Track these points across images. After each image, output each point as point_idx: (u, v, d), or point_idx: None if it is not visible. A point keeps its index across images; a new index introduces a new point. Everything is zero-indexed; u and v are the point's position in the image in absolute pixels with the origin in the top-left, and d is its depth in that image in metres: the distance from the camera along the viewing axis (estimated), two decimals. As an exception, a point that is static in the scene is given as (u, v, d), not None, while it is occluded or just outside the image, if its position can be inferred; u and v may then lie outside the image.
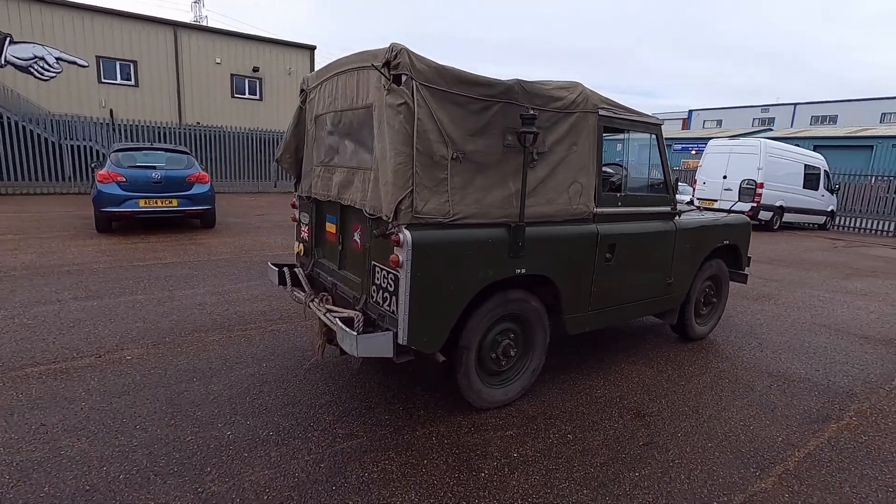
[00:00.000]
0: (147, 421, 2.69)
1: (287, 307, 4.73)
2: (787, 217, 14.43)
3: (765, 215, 13.58)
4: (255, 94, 22.39)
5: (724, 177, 13.86)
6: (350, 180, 2.82)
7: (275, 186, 18.39)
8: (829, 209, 15.75)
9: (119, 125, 15.45)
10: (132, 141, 15.45)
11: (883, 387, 3.60)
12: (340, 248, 3.06)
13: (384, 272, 2.50)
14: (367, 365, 3.46)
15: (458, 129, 2.45)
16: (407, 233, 2.32)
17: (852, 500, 2.32)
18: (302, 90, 3.40)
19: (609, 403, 3.13)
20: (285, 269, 3.46)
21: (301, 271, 3.42)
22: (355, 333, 2.34)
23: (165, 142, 15.86)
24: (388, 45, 2.34)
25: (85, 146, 14.80)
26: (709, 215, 4.34)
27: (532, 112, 2.57)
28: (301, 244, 3.57)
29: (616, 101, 3.23)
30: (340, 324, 2.47)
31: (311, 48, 23.37)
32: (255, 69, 21.99)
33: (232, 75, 21.62)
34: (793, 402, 3.26)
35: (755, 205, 13.23)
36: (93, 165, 9.63)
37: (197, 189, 8.38)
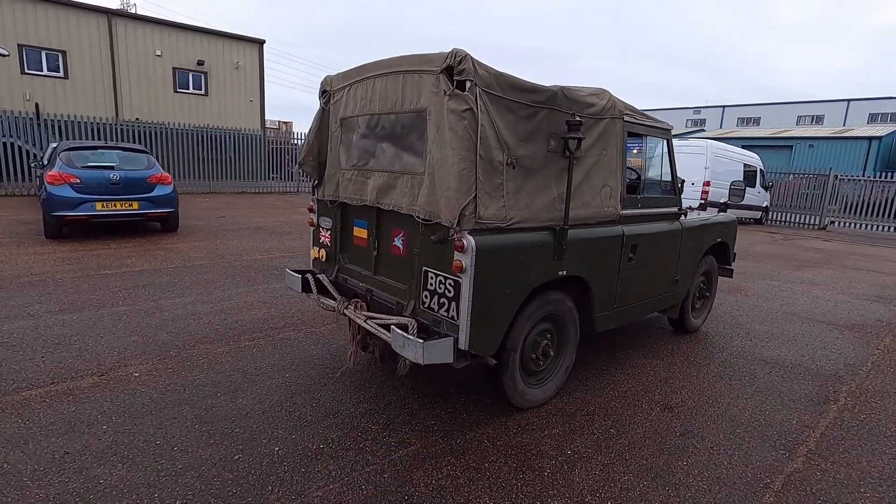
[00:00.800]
0: (184, 441, 2.53)
1: (289, 314, 4.57)
2: (730, 213, 15.51)
3: (711, 212, 14.52)
4: (201, 89, 21.25)
5: (675, 176, 14.66)
6: (391, 185, 2.77)
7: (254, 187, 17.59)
8: (764, 205, 17.08)
9: (46, 120, 14.17)
10: (66, 139, 14.25)
11: (861, 368, 3.98)
12: (376, 254, 3.01)
13: (440, 278, 2.49)
14: (388, 370, 3.41)
15: (511, 134, 2.49)
16: (470, 238, 2.32)
17: (871, 473, 2.57)
18: (324, 91, 3.30)
19: (636, 397, 3.27)
20: (309, 276, 3.35)
21: (325, 277, 3.32)
22: (421, 341, 2.31)
23: (100, 139, 14.73)
24: (449, 51, 2.34)
25: (8, 143, 13.45)
26: (703, 214, 4.61)
27: (578, 118, 2.65)
28: (321, 249, 3.47)
29: (634, 107, 3.37)
30: (399, 331, 2.43)
31: (261, 42, 22.48)
32: (200, 63, 20.89)
33: (174, 69, 20.41)
34: (794, 387, 3.54)
35: (703, 202, 14.11)
36: (33, 164, 8.82)
37: (160, 191, 7.88)
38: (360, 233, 3.14)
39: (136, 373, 3.26)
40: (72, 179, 7.18)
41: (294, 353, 3.68)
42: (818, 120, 42.71)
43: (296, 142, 19.33)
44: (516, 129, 2.51)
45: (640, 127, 3.42)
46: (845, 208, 16.35)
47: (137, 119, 18.64)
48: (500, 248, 2.45)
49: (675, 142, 14.69)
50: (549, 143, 2.68)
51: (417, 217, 2.56)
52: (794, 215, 17.26)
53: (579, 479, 2.38)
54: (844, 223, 16.54)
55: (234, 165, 17.90)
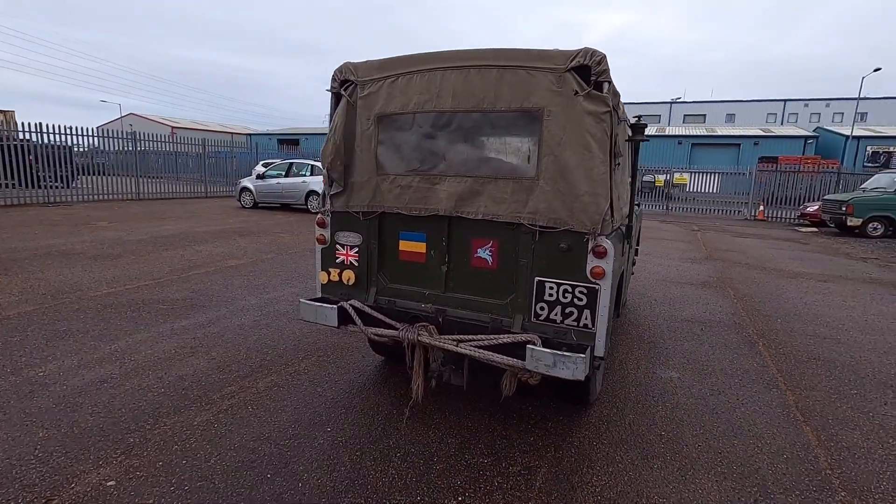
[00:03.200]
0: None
1: (245, 355, 3.66)
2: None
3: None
4: None
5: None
6: (476, 191, 2.50)
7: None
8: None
9: None
10: None
11: (741, 316, 5.20)
12: (446, 269, 2.67)
13: (565, 287, 2.37)
14: (451, 395, 3.10)
15: (621, 137, 2.52)
16: (608, 242, 2.28)
17: (842, 391, 3.44)
18: (348, 81, 2.74)
19: (653, 362, 3.67)
20: (347, 306, 2.76)
21: (361, 304, 2.79)
22: (582, 355, 2.18)
23: None
24: (578, 49, 2.22)
25: None
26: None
27: (644, 122, 2.81)
28: (345, 271, 2.91)
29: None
30: (547, 350, 2.23)
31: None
32: None
33: None
34: (726, 338, 4.45)
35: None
36: None
37: None
38: (413, 247, 2.74)
39: (98, 489, 2.24)
40: None
41: (309, 401, 3.01)
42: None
43: (25, 137, 12.93)
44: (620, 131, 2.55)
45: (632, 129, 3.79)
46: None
47: None
48: (618, 250, 2.47)
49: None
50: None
51: (532, 225, 2.38)
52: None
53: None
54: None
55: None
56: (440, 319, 2.66)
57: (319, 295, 3.05)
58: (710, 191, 19.53)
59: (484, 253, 2.58)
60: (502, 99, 2.39)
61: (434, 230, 2.68)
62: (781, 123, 43.57)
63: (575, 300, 2.37)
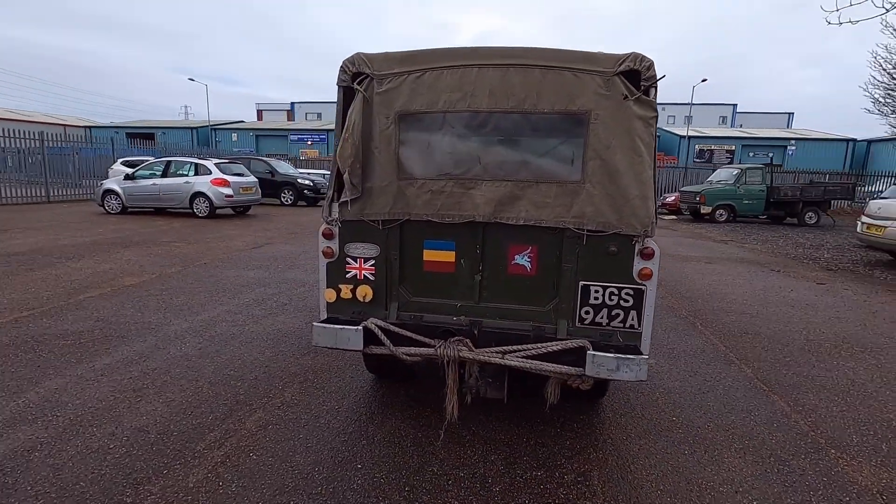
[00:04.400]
0: None
1: (210, 394, 3.11)
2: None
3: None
4: None
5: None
6: (516, 195, 2.40)
7: None
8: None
9: None
10: None
11: (671, 300, 5.78)
12: (480, 278, 2.52)
13: (611, 289, 2.39)
14: (484, 409, 2.95)
15: None
16: (655, 244, 2.34)
17: (780, 360, 3.97)
18: (363, 75, 2.43)
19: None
20: (371, 326, 2.46)
21: (385, 323, 2.52)
22: (646, 356, 2.20)
23: None
24: (626, 54, 2.22)
25: None
26: None
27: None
28: (360, 286, 2.60)
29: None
30: (609, 354, 2.21)
31: None
32: None
33: None
34: (671, 322, 4.90)
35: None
36: None
37: None
38: (440, 256, 2.55)
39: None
40: None
41: (319, 437, 2.65)
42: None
43: None
44: None
45: None
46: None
47: None
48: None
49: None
50: None
51: (579, 229, 2.35)
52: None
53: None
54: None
55: None
56: (475, 332, 2.51)
57: (325, 315, 2.70)
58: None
59: (522, 259, 2.49)
60: (545, 100, 2.31)
61: (465, 237, 2.51)
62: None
63: (621, 302, 2.40)
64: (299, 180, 16.44)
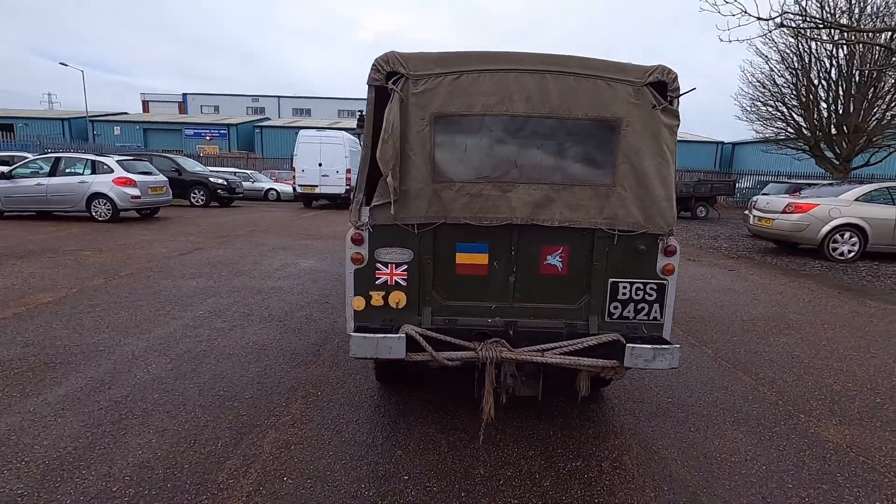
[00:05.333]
0: None
1: (214, 420, 2.82)
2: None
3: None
4: None
5: (320, 164, 15.53)
6: (551, 198, 2.47)
7: None
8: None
9: None
10: None
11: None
12: (514, 279, 2.57)
13: (637, 285, 2.55)
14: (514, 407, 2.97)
15: None
16: (676, 242, 2.55)
17: (730, 339, 4.46)
18: (397, 74, 2.34)
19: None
20: (412, 332, 2.39)
21: (421, 329, 2.47)
22: (678, 345, 2.39)
23: None
24: (654, 66, 2.38)
25: None
26: None
27: None
28: (393, 293, 2.52)
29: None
30: (647, 345, 2.37)
31: None
32: None
33: None
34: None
35: (348, 188, 15.68)
36: None
37: None
38: (473, 259, 2.56)
39: None
40: None
41: (352, 453, 2.53)
42: (353, 114, 52.53)
43: None
44: None
45: None
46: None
47: None
48: None
49: (315, 133, 15.53)
50: None
51: (612, 230, 2.48)
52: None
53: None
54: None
55: None
56: (510, 332, 2.56)
57: (352, 325, 2.57)
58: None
59: (554, 259, 2.58)
60: (579, 107, 2.41)
61: (498, 239, 2.54)
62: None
63: (646, 296, 2.58)
64: (212, 179, 15.23)
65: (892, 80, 14.99)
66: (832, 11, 13.96)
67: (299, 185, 15.71)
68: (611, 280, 2.56)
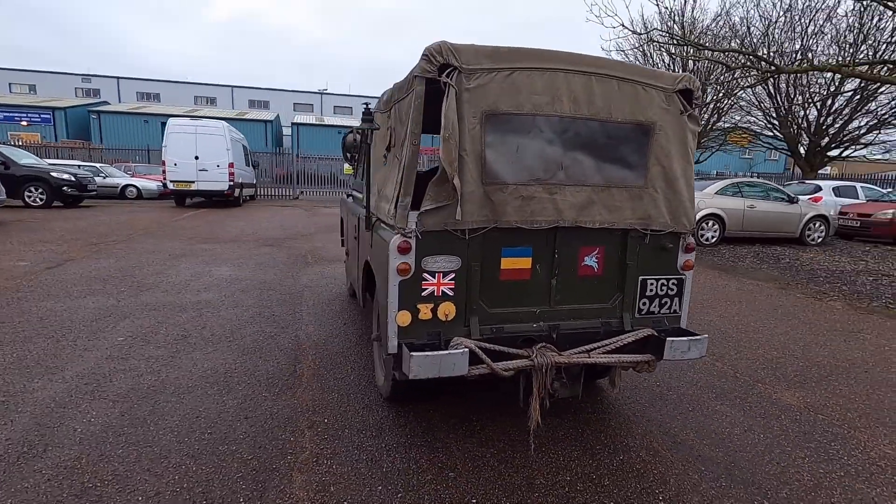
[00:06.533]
0: None
1: (217, 473, 2.33)
2: (247, 192, 16.36)
3: (238, 192, 14.84)
4: None
5: (196, 157, 13.83)
6: (592, 200, 2.49)
7: None
8: (254, 182, 18.77)
9: None
10: None
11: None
12: (555, 282, 2.53)
13: (661, 281, 2.70)
14: (560, 409, 2.90)
15: None
16: (693, 239, 2.74)
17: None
18: (450, 67, 2.13)
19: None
20: (472, 346, 2.22)
21: (472, 342, 2.32)
22: (707, 336, 2.56)
23: None
24: (682, 74, 2.52)
25: None
26: None
27: None
28: (441, 304, 2.33)
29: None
30: (683, 337, 2.51)
31: None
32: None
33: None
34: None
35: (231, 183, 14.22)
36: None
37: None
38: (517, 263, 2.48)
39: None
40: None
41: (400, 483, 2.29)
42: (212, 101, 47.70)
43: None
44: None
45: None
46: (316, 181, 20.67)
47: None
48: None
49: (189, 122, 13.81)
50: None
51: (646, 230, 2.58)
52: (277, 189, 20.05)
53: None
54: (313, 192, 20.87)
55: None
56: (553, 336, 2.54)
57: (395, 343, 2.32)
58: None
59: (591, 260, 2.60)
60: (619, 110, 2.45)
61: (541, 243, 2.49)
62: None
63: (668, 291, 2.74)
64: (54, 174, 12.62)
65: (713, 93, 18.10)
66: (691, 30, 16.26)
67: (171, 182, 13.78)
68: (640, 277, 2.66)
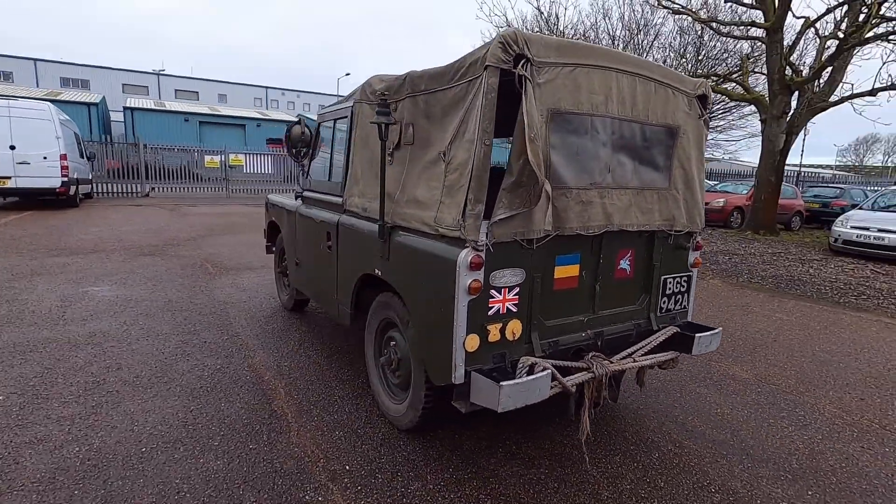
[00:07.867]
0: None
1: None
2: (83, 189, 13.51)
3: (73, 190, 12.22)
4: None
5: (13, 147, 11.03)
6: (630, 202, 2.46)
7: None
8: (90, 177, 15.64)
9: None
10: None
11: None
12: (598, 287, 2.46)
13: (677, 279, 2.80)
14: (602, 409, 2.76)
15: None
16: (700, 237, 2.88)
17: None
18: (524, 58, 1.87)
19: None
20: (549, 366, 2.02)
21: (535, 360, 2.14)
22: (721, 328, 2.71)
23: None
24: (699, 80, 2.60)
25: None
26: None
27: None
28: (513, 322, 2.10)
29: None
30: (707, 333, 2.63)
31: None
32: None
33: None
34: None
35: (65, 179, 11.65)
36: None
37: None
38: (568, 272, 2.36)
39: None
40: None
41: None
42: (7, 77, 38.76)
43: None
44: None
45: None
46: (166, 176, 17.87)
47: None
48: None
49: (2, 104, 10.99)
50: None
51: (671, 231, 2.64)
52: (118, 185, 16.96)
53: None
54: (166, 189, 18.08)
55: None
56: (599, 343, 2.47)
57: (461, 372, 2.02)
58: (266, 171, 20.33)
59: (625, 263, 2.58)
60: (653, 112, 2.45)
61: (587, 249, 2.39)
62: (266, 108, 48.72)
63: (681, 288, 2.85)
64: None
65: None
66: (553, 31, 17.52)
67: (-18, 178, 10.77)
68: (663, 277, 2.73)
